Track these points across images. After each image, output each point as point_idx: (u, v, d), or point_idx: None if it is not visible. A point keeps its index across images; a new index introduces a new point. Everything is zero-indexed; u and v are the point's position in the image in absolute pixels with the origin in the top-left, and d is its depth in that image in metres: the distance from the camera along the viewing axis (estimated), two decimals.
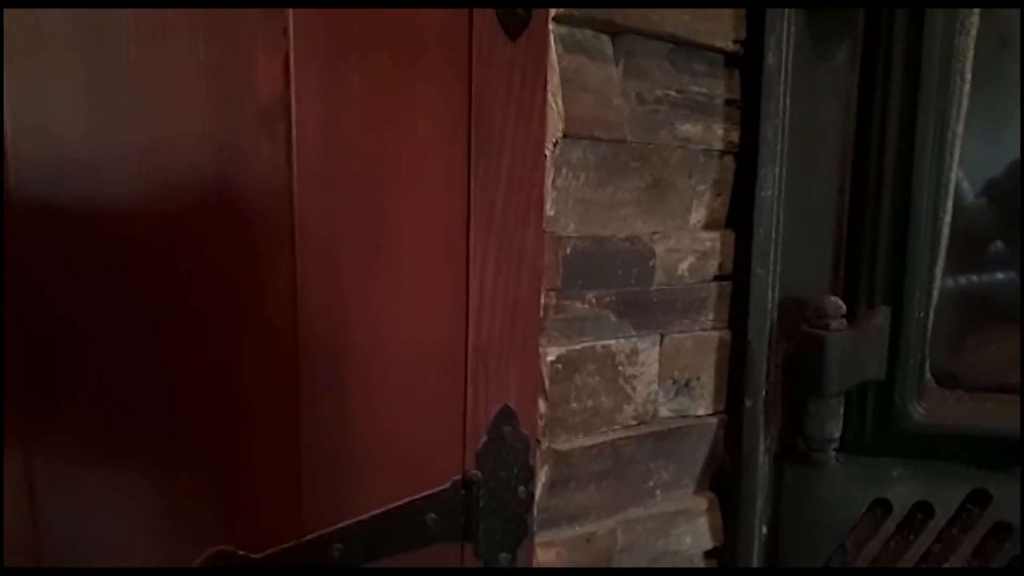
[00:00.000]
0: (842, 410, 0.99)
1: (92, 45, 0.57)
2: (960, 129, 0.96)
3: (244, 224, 0.67)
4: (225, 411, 0.69)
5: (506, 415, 0.86)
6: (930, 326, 0.99)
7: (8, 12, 0.54)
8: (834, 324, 0.95)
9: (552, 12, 0.82)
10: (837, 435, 0.99)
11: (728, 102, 1.00)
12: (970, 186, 1.04)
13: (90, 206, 0.59)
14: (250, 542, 0.70)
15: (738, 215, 1.01)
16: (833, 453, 1.00)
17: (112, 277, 0.61)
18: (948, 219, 0.98)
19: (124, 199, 0.60)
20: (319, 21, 0.67)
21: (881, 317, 0.97)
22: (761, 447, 1.02)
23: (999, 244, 1.06)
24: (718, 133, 0.99)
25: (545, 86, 0.83)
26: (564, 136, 0.85)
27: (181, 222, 0.63)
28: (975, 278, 1.05)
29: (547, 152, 0.85)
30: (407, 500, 0.80)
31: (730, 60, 0.99)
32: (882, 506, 1.03)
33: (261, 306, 0.69)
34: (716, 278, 1.02)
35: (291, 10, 0.65)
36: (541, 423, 0.89)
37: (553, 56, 0.83)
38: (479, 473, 0.84)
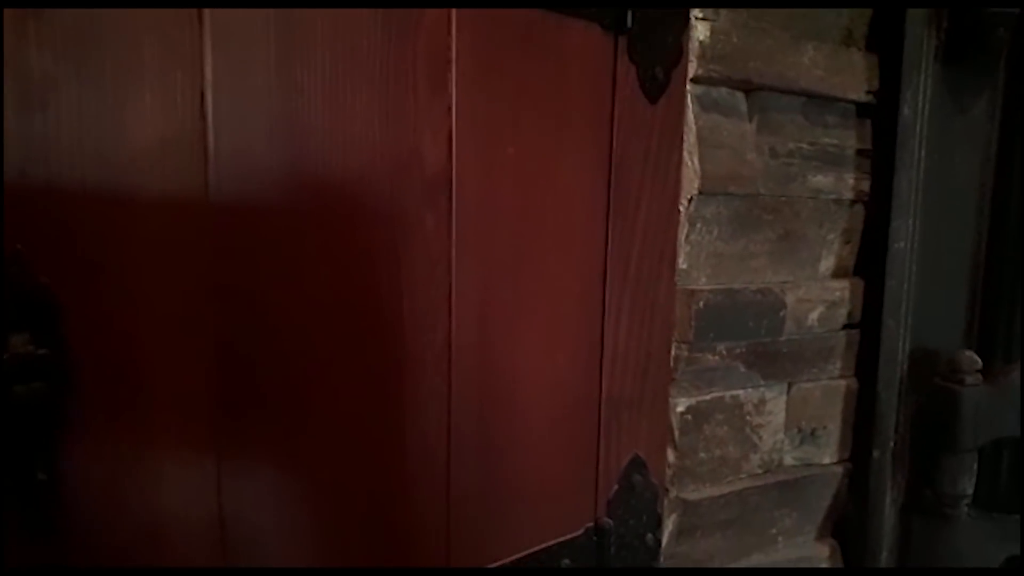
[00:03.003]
0: (976, 466, 0.97)
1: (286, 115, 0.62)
2: None
3: (409, 283, 0.71)
4: (383, 454, 0.73)
5: (636, 464, 0.88)
6: None
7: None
8: (969, 379, 0.94)
9: (691, 73, 0.84)
10: (970, 491, 0.98)
11: (859, 152, 1.00)
12: None
13: (278, 224, 0.64)
14: None
15: (869, 264, 1.01)
16: (965, 508, 0.99)
17: (291, 302, 0.65)
18: None
19: (309, 241, 0.65)
20: (479, 97, 0.71)
21: (1018, 373, 0.95)
22: (887, 497, 1.02)
23: None
24: (849, 183, 0.99)
25: (682, 145, 0.85)
26: (699, 193, 0.87)
27: (356, 274, 0.67)
28: None
29: (681, 208, 0.87)
30: (544, 546, 0.83)
31: (861, 110, 0.99)
32: (1016, 563, 1.01)
33: (420, 363, 0.73)
34: (845, 327, 1.02)
35: (454, 89, 0.69)
36: (669, 472, 0.91)
37: (690, 116, 0.85)
38: (610, 521, 0.86)
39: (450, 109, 0.70)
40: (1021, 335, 0.96)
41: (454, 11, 0.69)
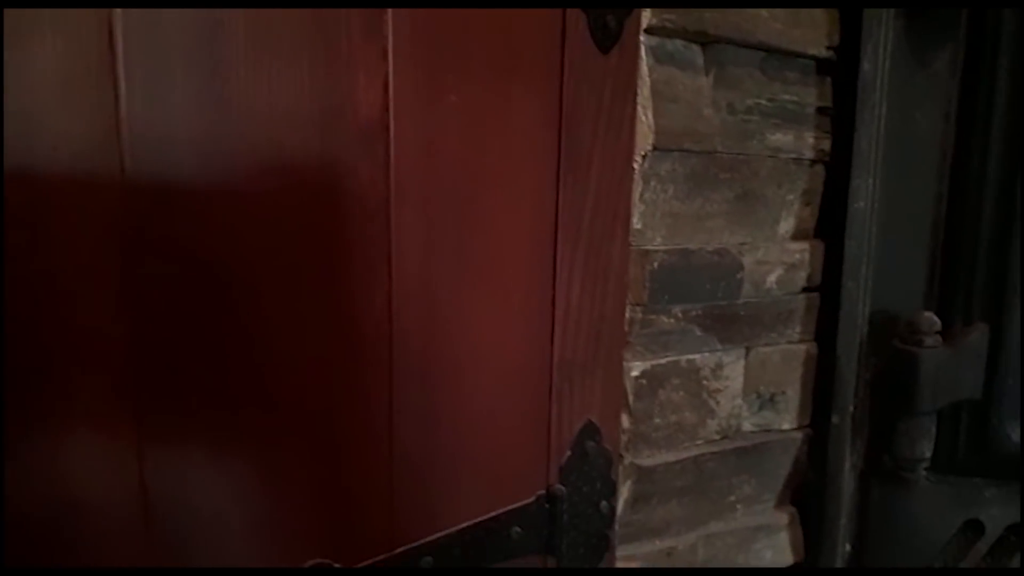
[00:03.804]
0: (934, 429, 0.96)
1: (204, 60, 0.58)
2: None
3: (343, 241, 0.67)
4: (321, 422, 0.70)
5: (590, 430, 0.85)
6: None
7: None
8: (928, 341, 0.92)
9: (644, 23, 0.81)
10: (928, 454, 0.97)
11: (820, 110, 0.97)
12: None
13: (199, 197, 0.60)
14: (345, 554, 0.71)
15: (829, 226, 0.99)
16: (923, 472, 0.97)
17: (217, 269, 0.62)
18: None
19: (230, 198, 0.61)
20: (417, 42, 0.67)
21: (978, 334, 0.94)
22: (847, 463, 1.00)
23: None
24: (809, 142, 0.97)
25: (635, 99, 0.82)
26: (654, 149, 0.84)
27: (283, 232, 0.64)
28: None
29: (635, 165, 0.84)
30: (494, 514, 0.80)
31: (822, 67, 0.96)
32: (974, 527, 1.00)
33: (358, 321, 0.69)
34: (804, 290, 1.00)
35: (390, 33, 0.65)
36: (624, 438, 0.88)
37: (644, 68, 0.82)
38: (563, 488, 0.84)
39: (386, 53, 0.66)
40: (981, 296, 0.94)
41: None
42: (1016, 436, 0.95)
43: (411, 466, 0.75)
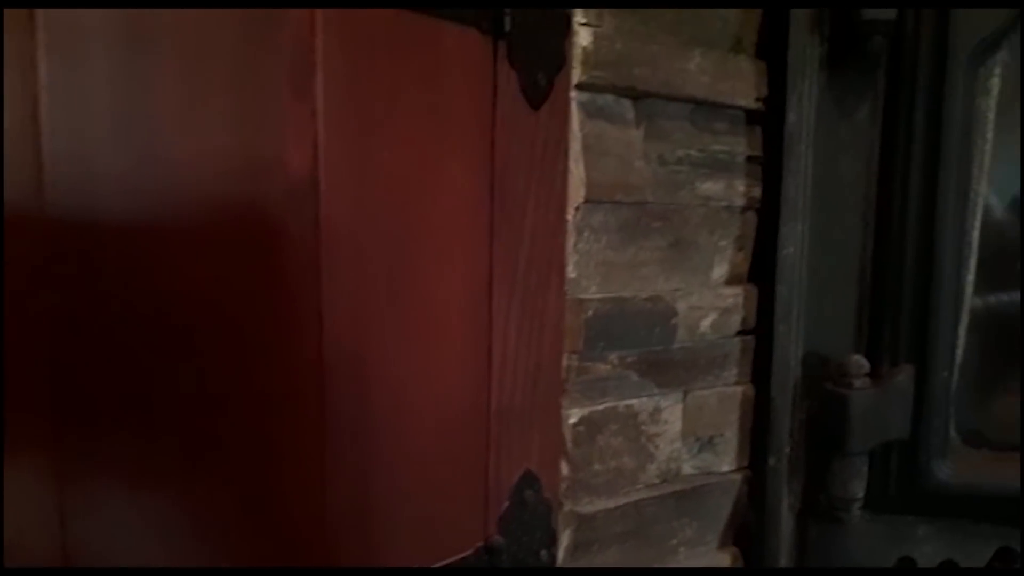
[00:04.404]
0: (866, 469, 0.98)
1: (133, 108, 0.58)
2: (983, 188, 0.96)
3: (272, 294, 0.67)
4: (250, 473, 0.69)
5: (528, 479, 0.86)
6: (954, 384, 0.99)
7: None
8: (857, 383, 0.95)
9: (574, 80, 0.83)
10: (861, 494, 0.98)
11: (749, 159, 1.00)
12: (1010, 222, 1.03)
13: (122, 237, 0.59)
14: None
15: (761, 270, 1.02)
16: (857, 511, 0.99)
17: (141, 309, 0.61)
18: (972, 277, 0.98)
19: (155, 241, 0.61)
20: (347, 101, 0.68)
21: (905, 375, 0.97)
22: (784, 504, 1.02)
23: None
24: (739, 190, 1.00)
25: (567, 153, 0.84)
26: (586, 201, 0.86)
27: (209, 279, 0.63)
28: (1000, 332, 1.04)
29: (568, 217, 0.85)
30: (433, 567, 0.80)
31: (751, 117, 1.00)
32: (908, 564, 1.02)
33: (288, 373, 0.69)
34: (739, 333, 1.02)
35: (320, 93, 0.66)
36: (563, 486, 0.89)
37: (575, 123, 0.84)
38: (501, 539, 0.84)
39: (315, 113, 0.67)
40: (907, 337, 0.97)
41: (319, 12, 0.66)
42: (943, 474, 0.97)
43: (345, 518, 0.75)
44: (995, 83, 0.95)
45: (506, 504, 0.85)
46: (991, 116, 0.95)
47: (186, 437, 0.65)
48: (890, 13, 0.91)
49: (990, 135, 0.96)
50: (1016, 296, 1.02)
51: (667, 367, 0.95)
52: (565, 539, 0.89)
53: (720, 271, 1.00)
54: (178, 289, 0.62)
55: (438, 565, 0.80)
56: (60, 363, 0.58)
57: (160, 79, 0.59)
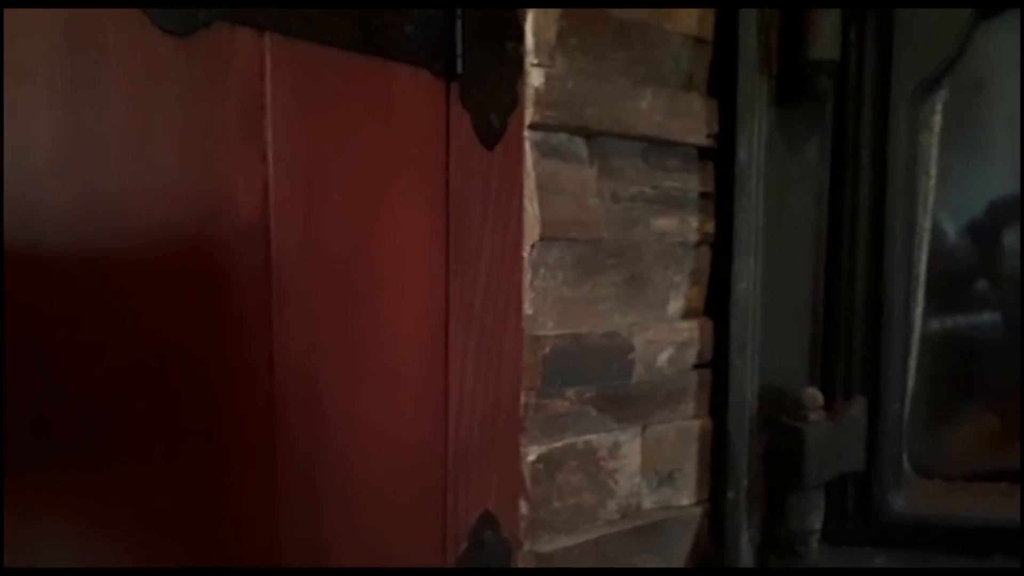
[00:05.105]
0: (823, 501, 0.99)
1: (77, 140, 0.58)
2: (928, 223, 0.98)
3: (221, 336, 0.66)
4: (201, 513, 0.68)
5: (487, 519, 0.85)
6: (906, 416, 1.00)
7: None
8: (812, 416, 0.96)
9: (528, 120, 0.84)
10: (818, 526, 0.99)
11: (702, 195, 1.01)
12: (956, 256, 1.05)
13: (67, 267, 0.59)
14: None
15: (716, 304, 1.03)
16: (815, 544, 1.00)
17: (84, 337, 0.60)
18: (920, 310, 1.00)
19: (100, 276, 0.60)
20: (299, 144, 0.68)
21: (858, 408, 0.98)
22: (744, 537, 1.02)
23: (972, 328, 1.08)
24: (693, 225, 1.01)
25: (521, 192, 0.85)
26: (541, 239, 0.86)
27: (157, 315, 0.63)
28: (949, 364, 1.06)
29: (524, 255, 0.86)
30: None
31: (704, 154, 1.01)
32: None
33: (238, 418, 0.68)
34: (696, 367, 1.03)
35: (270, 135, 0.66)
36: (523, 524, 0.88)
37: (529, 162, 0.85)
38: None
39: (265, 156, 0.67)
40: (859, 369, 0.99)
41: (268, 55, 0.66)
42: (897, 505, 0.98)
43: (298, 557, 0.74)
44: (937, 120, 0.98)
45: (464, 545, 0.84)
46: (934, 152, 0.98)
47: (132, 475, 0.63)
48: (834, 53, 0.94)
49: (933, 171, 0.98)
50: (966, 325, 1.04)
51: (625, 402, 0.95)
52: None
53: (676, 306, 1.01)
54: (124, 325, 0.61)
55: None
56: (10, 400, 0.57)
57: (105, 116, 0.58)
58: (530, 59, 0.83)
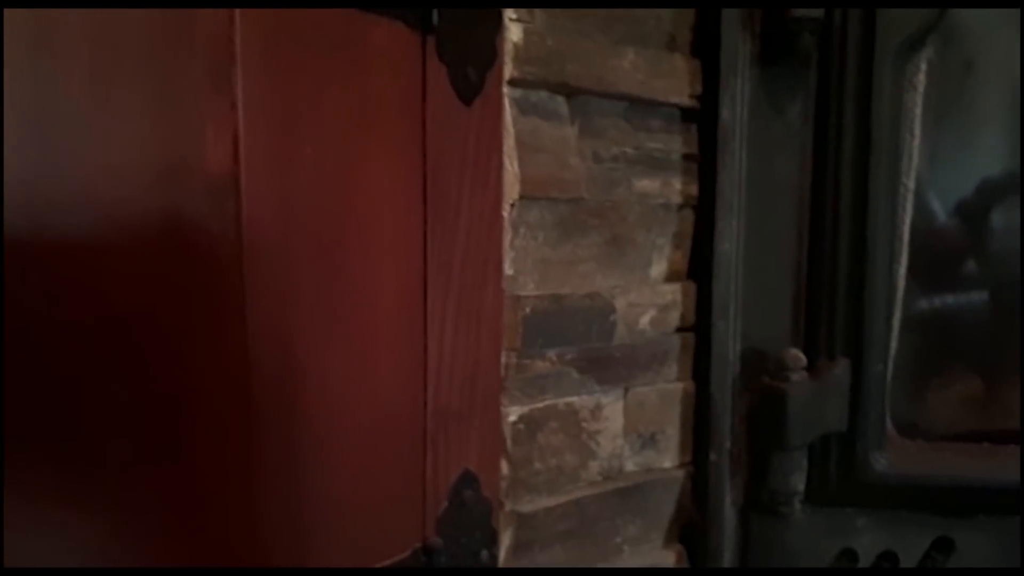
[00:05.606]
0: (805, 462, 0.99)
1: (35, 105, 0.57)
2: (912, 184, 0.98)
3: (192, 294, 0.66)
4: (174, 475, 0.67)
5: (467, 479, 0.85)
6: (889, 377, 1.00)
7: None
8: (795, 377, 0.95)
9: (507, 75, 0.83)
10: (801, 487, 0.99)
11: (686, 156, 1.01)
12: (939, 217, 1.05)
13: (32, 232, 0.58)
14: None
15: (698, 267, 1.02)
16: (798, 505, 1.00)
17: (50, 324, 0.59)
18: (903, 271, 1.00)
19: (63, 247, 0.59)
20: (269, 95, 0.67)
21: (841, 369, 0.98)
22: (727, 500, 1.02)
23: (955, 289, 1.08)
24: (676, 187, 1.00)
25: (501, 149, 0.83)
26: (521, 198, 0.85)
27: (128, 287, 0.62)
28: (932, 325, 1.06)
29: (504, 213, 0.85)
30: (369, 569, 0.78)
31: (686, 115, 1.00)
32: (849, 556, 1.03)
33: (213, 381, 0.68)
34: (678, 330, 1.02)
35: (239, 85, 0.65)
36: (504, 485, 0.88)
37: (508, 119, 0.84)
38: (440, 540, 0.83)
39: (235, 106, 0.65)
40: (842, 331, 0.98)
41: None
42: (880, 466, 0.99)
43: (276, 521, 0.73)
44: (921, 79, 0.97)
45: (444, 505, 0.84)
46: (918, 112, 0.97)
47: (106, 442, 0.63)
48: (817, 11, 0.92)
49: (917, 130, 0.98)
50: (949, 288, 1.04)
51: (607, 364, 0.95)
52: (506, 539, 0.88)
53: (658, 268, 1.01)
54: (91, 290, 0.60)
55: (375, 567, 0.79)
56: None
57: (67, 69, 0.57)
58: (509, 14, 0.82)
